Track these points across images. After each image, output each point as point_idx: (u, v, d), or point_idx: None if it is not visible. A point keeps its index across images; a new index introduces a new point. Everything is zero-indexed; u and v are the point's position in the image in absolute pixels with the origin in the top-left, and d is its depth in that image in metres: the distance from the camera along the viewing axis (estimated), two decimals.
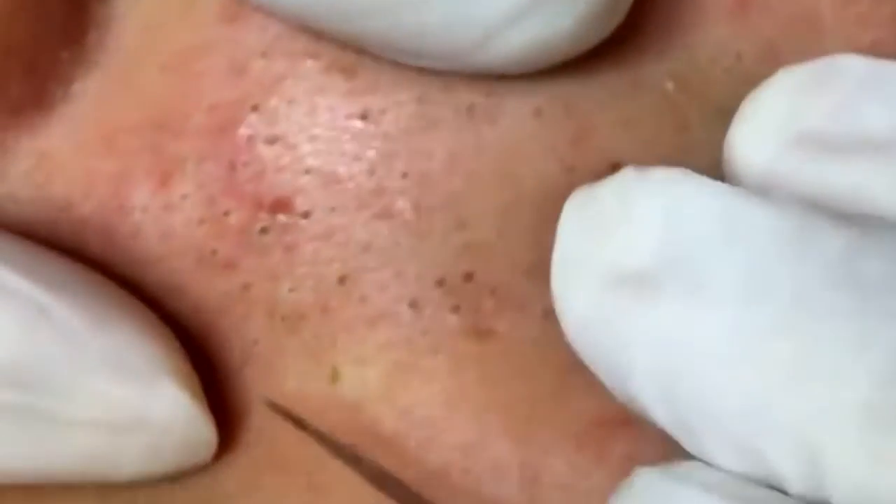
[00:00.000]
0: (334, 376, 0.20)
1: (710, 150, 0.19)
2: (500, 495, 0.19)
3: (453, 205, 0.19)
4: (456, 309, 0.19)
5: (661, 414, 0.16)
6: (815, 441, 0.15)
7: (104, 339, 0.18)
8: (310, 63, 0.19)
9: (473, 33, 0.17)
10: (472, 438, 0.19)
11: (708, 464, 0.16)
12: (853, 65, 0.18)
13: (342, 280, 0.19)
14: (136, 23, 0.20)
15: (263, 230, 0.20)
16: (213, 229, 0.20)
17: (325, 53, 0.19)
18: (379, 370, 0.19)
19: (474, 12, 0.17)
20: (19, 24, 0.19)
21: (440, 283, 0.19)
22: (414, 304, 0.19)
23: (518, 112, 0.19)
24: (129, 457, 0.19)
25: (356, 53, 0.19)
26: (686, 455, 0.16)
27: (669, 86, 0.19)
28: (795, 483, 0.15)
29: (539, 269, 0.18)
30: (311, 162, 0.19)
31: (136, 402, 0.18)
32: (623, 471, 0.17)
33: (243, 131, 0.19)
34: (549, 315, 0.18)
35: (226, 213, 0.20)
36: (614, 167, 0.19)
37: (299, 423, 0.19)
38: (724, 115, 0.19)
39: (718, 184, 0.16)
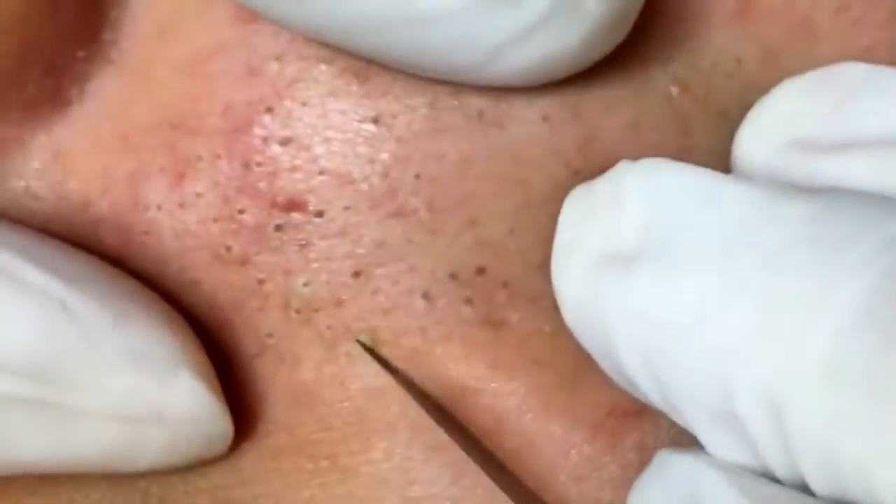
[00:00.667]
0: (349, 362, 0.20)
1: (712, 154, 0.20)
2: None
3: (465, 205, 0.20)
4: (469, 301, 0.20)
5: (648, 390, 0.17)
6: (780, 399, 0.15)
7: (123, 333, 0.19)
8: (323, 67, 0.20)
9: (478, 53, 0.18)
10: (485, 426, 0.20)
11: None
12: (852, 71, 0.19)
13: (356, 274, 0.20)
14: (152, 22, 0.20)
15: (278, 228, 0.20)
16: (227, 227, 0.20)
17: (339, 58, 0.20)
18: (393, 357, 0.20)
19: (479, 34, 0.17)
20: (35, 22, 0.19)
21: (453, 276, 0.20)
22: (427, 296, 0.20)
23: (526, 117, 0.20)
24: (146, 449, 0.19)
25: (368, 60, 0.19)
26: (697, 444, 0.17)
27: (674, 90, 0.20)
28: (766, 446, 0.16)
29: (550, 264, 0.19)
30: (324, 163, 0.20)
31: (154, 395, 0.19)
32: (636, 460, 0.18)
33: (258, 132, 0.20)
34: None
35: (240, 211, 0.20)
36: None
37: (386, 364, 0.20)
38: (726, 119, 0.20)
39: (697, 167, 0.17)
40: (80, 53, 0.20)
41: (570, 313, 0.18)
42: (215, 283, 0.20)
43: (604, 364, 0.18)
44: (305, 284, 0.20)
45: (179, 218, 0.20)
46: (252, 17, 0.20)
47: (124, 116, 0.20)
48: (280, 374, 0.20)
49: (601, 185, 0.18)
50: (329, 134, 0.20)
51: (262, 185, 0.20)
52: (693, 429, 0.17)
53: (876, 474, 0.14)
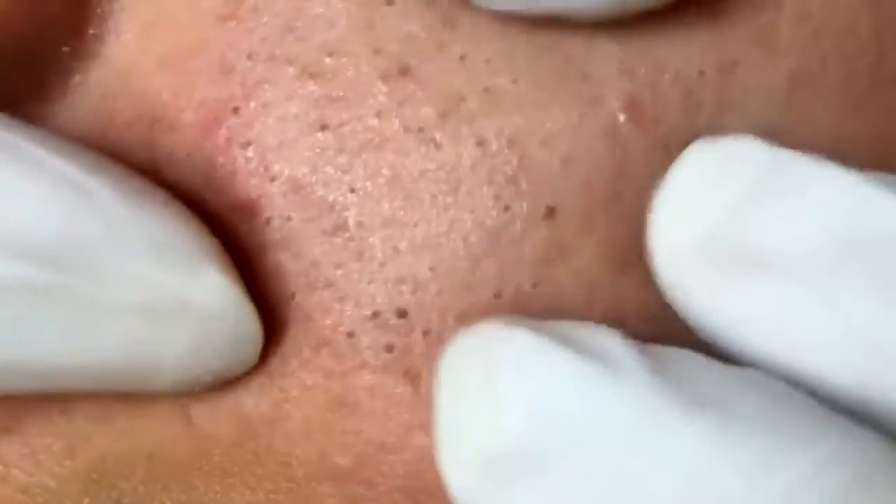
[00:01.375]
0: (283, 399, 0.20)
1: (643, 197, 0.19)
2: None
3: (392, 229, 0.19)
4: (390, 348, 0.19)
5: None
6: None
7: (146, 223, 0.18)
8: (288, 69, 0.20)
9: None
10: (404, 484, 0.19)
11: None
12: (753, 158, 0.18)
13: (293, 296, 0.20)
14: (137, 17, 0.20)
15: (233, 231, 0.20)
16: None
17: (302, 57, 0.20)
18: (319, 399, 0.20)
19: None
20: (20, 16, 0.19)
21: (375, 315, 0.19)
22: (352, 335, 0.19)
23: (463, 138, 0.19)
24: (171, 348, 0.18)
25: (330, 57, 0.20)
26: None
27: (621, 117, 0.19)
28: None
29: (468, 316, 0.19)
30: (276, 169, 0.20)
31: (178, 289, 0.18)
32: None
33: (223, 132, 0.20)
34: None
35: (202, 211, 0.20)
36: (549, 212, 0.19)
37: None
38: (669, 153, 0.19)
39: (582, 360, 0.17)
40: (65, 49, 0.20)
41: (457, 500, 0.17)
42: None
43: None
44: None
45: None
46: (233, 13, 0.20)
47: (106, 111, 0.21)
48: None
49: (474, 362, 0.18)
50: (283, 139, 0.20)
51: (222, 186, 0.20)
52: None
53: None
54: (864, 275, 0.16)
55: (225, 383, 0.19)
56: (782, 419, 0.16)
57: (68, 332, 0.17)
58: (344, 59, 0.20)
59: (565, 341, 0.17)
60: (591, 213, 0.19)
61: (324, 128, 0.20)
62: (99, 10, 0.20)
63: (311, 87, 0.20)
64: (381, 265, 0.19)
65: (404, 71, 0.19)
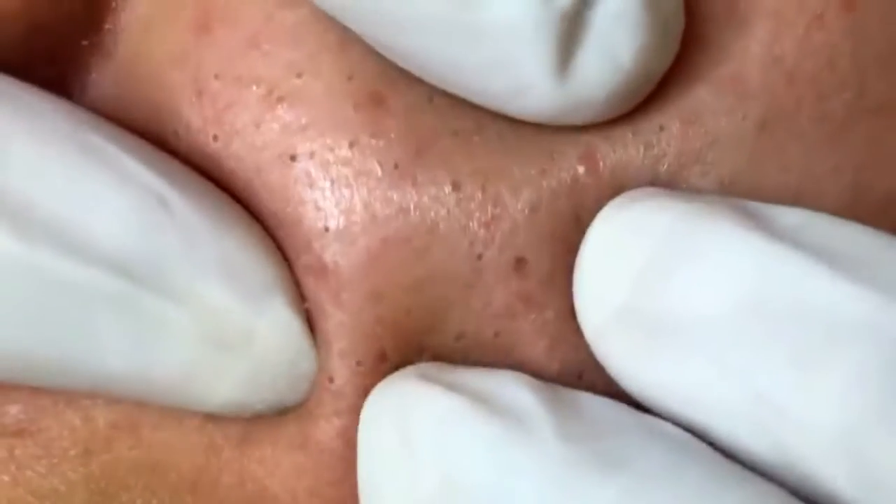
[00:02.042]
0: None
1: None
2: None
3: (370, 271, 0.19)
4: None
5: None
6: None
7: (221, 242, 0.18)
8: (253, 89, 0.19)
9: (512, 82, 0.17)
10: None
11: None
12: (657, 220, 0.18)
13: None
14: (140, 14, 0.20)
15: None
16: None
17: (266, 79, 0.19)
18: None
19: (521, 61, 0.17)
20: (42, 8, 0.19)
21: (360, 364, 0.19)
22: (332, 380, 0.19)
23: (439, 180, 0.19)
24: (228, 376, 0.18)
25: (298, 78, 0.19)
26: None
27: (580, 169, 0.19)
28: None
29: (427, 353, 0.19)
30: (256, 203, 0.19)
31: (245, 318, 0.18)
32: None
33: (207, 163, 0.19)
34: None
35: None
36: (518, 263, 0.19)
37: None
38: None
39: (495, 423, 0.17)
40: (84, 43, 0.20)
41: None
42: None
43: None
44: None
45: None
46: (207, 26, 0.19)
47: (116, 112, 0.20)
48: None
49: (392, 421, 0.18)
50: (256, 168, 0.19)
51: None
52: None
53: None
54: (769, 341, 0.16)
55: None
56: (689, 474, 0.16)
57: (131, 343, 0.18)
58: (314, 81, 0.19)
59: (479, 398, 0.17)
60: (556, 265, 0.19)
61: (293, 158, 0.19)
62: (113, 4, 0.20)
63: (280, 111, 0.19)
64: (360, 310, 0.19)
65: (378, 101, 0.19)
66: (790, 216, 0.18)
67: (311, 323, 0.19)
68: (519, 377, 0.18)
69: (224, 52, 0.19)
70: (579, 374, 0.19)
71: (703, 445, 0.17)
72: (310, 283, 0.19)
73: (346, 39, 0.19)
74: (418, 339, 0.19)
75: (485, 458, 0.17)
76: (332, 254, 0.19)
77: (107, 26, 0.20)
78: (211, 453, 0.20)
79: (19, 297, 0.17)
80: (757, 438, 0.17)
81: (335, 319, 0.19)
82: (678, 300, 0.17)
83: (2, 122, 0.18)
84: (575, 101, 0.18)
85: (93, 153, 0.18)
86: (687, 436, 0.17)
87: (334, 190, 0.19)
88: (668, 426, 0.17)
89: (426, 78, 0.18)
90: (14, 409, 0.20)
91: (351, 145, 0.19)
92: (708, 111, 0.19)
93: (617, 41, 0.18)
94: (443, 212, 0.19)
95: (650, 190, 0.19)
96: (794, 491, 0.17)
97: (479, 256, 0.19)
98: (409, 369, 0.19)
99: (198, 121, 0.19)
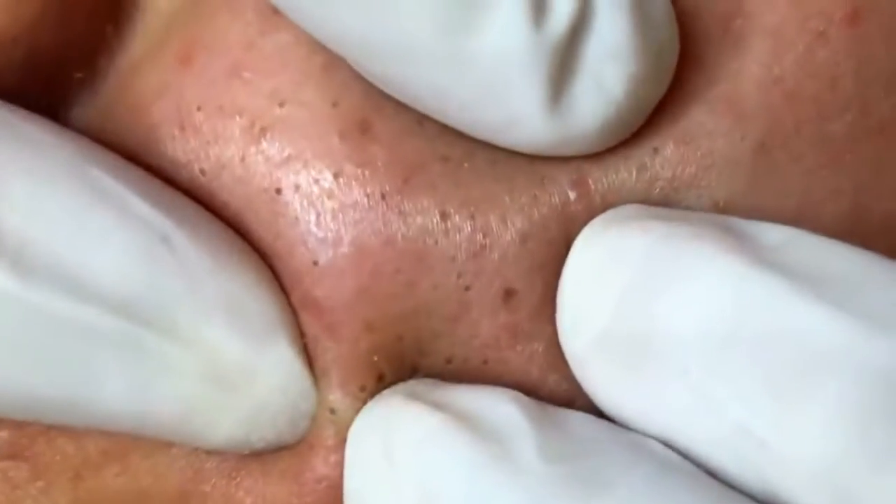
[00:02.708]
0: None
1: None
2: None
3: (360, 303, 0.18)
4: None
5: None
6: None
7: (224, 281, 0.18)
8: (237, 119, 0.19)
9: (501, 114, 0.17)
10: None
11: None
12: (635, 245, 0.17)
13: None
14: (130, 59, 0.20)
15: None
16: None
17: (248, 109, 0.19)
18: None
19: (510, 95, 0.17)
20: (44, 35, 0.19)
21: (363, 388, 0.19)
22: (334, 412, 0.19)
23: (427, 210, 0.18)
24: (230, 415, 0.18)
25: (280, 107, 0.19)
26: None
27: (572, 195, 0.19)
28: None
29: (434, 377, 0.19)
30: (247, 237, 0.19)
31: (248, 359, 0.18)
32: None
33: (195, 198, 0.19)
34: None
35: None
36: (507, 294, 0.19)
37: None
38: None
39: (477, 443, 0.17)
40: (78, 75, 0.20)
41: None
42: None
43: None
44: None
45: None
46: (189, 56, 0.19)
47: (106, 140, 0.19)
48: None
49: (377, 437, 0.18)
50: (246, 201, 0.19)
51: None
52: None
53: None
54: (748, 370, 0.16)
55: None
56: (674, 495, 0.16)
57: (132, 382, 0.17)
58: (297, 110, 0.19)
59: (464, 417, 0.17)
60: (546, 295, 0.19)
61: (278, 191, 0.19)
62: (111, 40, 0.20)
63: (263, 141, 0.19)
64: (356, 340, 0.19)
65: (364, 128, 0.19)
66: (774, 233, 0.17)
67: (308, 355, 0.19)
68: (508, 395, 0.18)
69: (206, 83, 0.19)
70: (570, 402, 0.19)
71: (689, 465, 0.17)
72: (305, 317, 0.19)
73: (331, 64, 0.19)
74: (412, 361, 0.19)
75: (464, 479, 0.16)
76: (322, 288, 0.18)
77: (101, 62, 0.20)
78: (199, 481, 0.19)
79: (20, 336, 0.17)
80: (739, 468, 0.16)
81: (333, 352, 0.19)
82: (656, 326, 0.17)
83: (2, 157, 0.17)
84: (567, 133, 0.17)
85: (94, 189, 0.18)
86: (674, 455, 0.17)
87: (320, 223, 0.18)
88: (655, 444, 0.17)
89: (414, 106, 0.18)
90: (4, 434, 0.20)
91: (336, 176, 0.18)
92: (704, 133, 0.19)
93: (609, 73, 0.17)
94: (430, 242, 0.18)
95: (630, 209, 0.19)
96: None
97: (467, 288, 0.19)
98: (399, 387, 0.19)
99: (182, 155, 0.19)
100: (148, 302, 0.17)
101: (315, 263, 0.18)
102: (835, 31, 0.19)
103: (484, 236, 0.19)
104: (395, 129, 0.19)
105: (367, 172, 0.18)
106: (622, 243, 0.18)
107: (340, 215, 0.18)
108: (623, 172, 0.19)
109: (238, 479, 0.19)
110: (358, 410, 0.19)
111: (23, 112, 0.18)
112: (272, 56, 0.19)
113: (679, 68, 0.19)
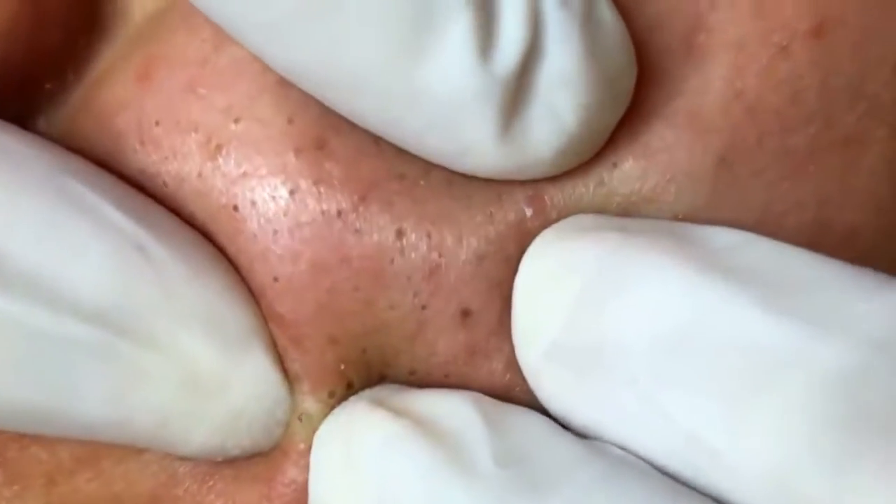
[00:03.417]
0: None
1: None
2: None
3: (322, 319, 0.18)
4: None
5: None
6: None
7: (200, 290, 0.18)
8: (193, 136, 0.19)
9: (454, 144, 0.17)
10: None
11: None
12: (590, 254, 0.17)
13: None
14: (97, 72, 0.20)
15: None
16: None
17: (203, 124, 0.19)
18: None
19: (462, 125, 0.17)
20: (18, 42, 0.19)
21: (331, 395, 0.19)
22: (301, 419, 0.19)
23: (383, 228, 0.18)
24: (205, 422, 0.18)
25: (235, 123, 0.18)
26: None
27: (528, 211, 0.19)
28: None
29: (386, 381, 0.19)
30: None
31: (223, 367, 0.18)
32: None
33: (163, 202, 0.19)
34: None
35: None
36: (464, 314, 0.19)
37: None
38: None
39: (433, 449, 0.17)
40: (48, 86, 0.20)
41: None
42: None
43: None
44: None
45: None
46: (147, 73, 0.19)
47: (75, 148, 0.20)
48: None
49: (339, 443, 0.18)
50: (208, 215, 0.19)
51: None
52: None
53: None
54: (698, 378, 0.16)
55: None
56: (627, 492, 0.16)
57: (109, 392, 0.18)
58: (252, 126, 0.18)
59: (423, 422, 0.17)
60: (504, 312, 0.19)
61: (235, 208, 0.19)
62: (83, 52, 0.20)
63: (219, 157, 0.19)
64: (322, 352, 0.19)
65: (320, 145, 0.18)
66: (725, 237, 0.17)
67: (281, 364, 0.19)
68: (468, 398, 0.18)
69: (164, 98, 0.19)
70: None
71: (643, 464, 0.17)
72: (272, 329, 0.19)
73: (286, 80, 0.18)
74: (378, 371, 0.19)
75: (420, 483, 0.17)
76: (283, 304, 0.19)
77: (70, 74, 0.20)
78: (171, 486, 0.20)
79: None
80: (691, 476, 0.16)
81: (300, 362, 0.19)
82: (607, 335, 0.17)
83: None
84: (521, 160, 0.17)
85: (69, 198, 0.18)
86: (628, 456, 0.17)
87: (277, 240, 0.18)
88: (609, 445, 0.17)
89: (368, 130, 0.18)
90: None
91: (292, 193, 0.18)
92: (664, 147, 0.19)
93: (560, 102, 0.17)
94: (386, 261, 0.18)
95: (581, 219, 0.18)
96: None
97: (424, 307, 0.19)
98: (365, 393, 0.19)
99: (145, 168, 0.19)
100: (124, 311, 0.17)
101: (275, 279, 0.19)
102: (798, 45, 0.19)
103: (439, 255, 0.18)
104: (351, 145, 0.18)
105: (322, 189, 0.18)
106: (573, 253, 0.18)
107: (297, 232, 0.18)
108: (580, 188, 0.19)
109: (210, 483, 0.19)
110: (327, 416, 0.19)
111: None
112: (226, 71, 0.19)
113: (642, 83, 0.18)
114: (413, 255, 0.18)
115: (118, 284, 0.17)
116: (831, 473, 0.15)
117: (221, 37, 0.19)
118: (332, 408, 0.19)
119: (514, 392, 0.19)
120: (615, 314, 0.17)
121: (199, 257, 0.18)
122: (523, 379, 0.19)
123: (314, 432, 0.19)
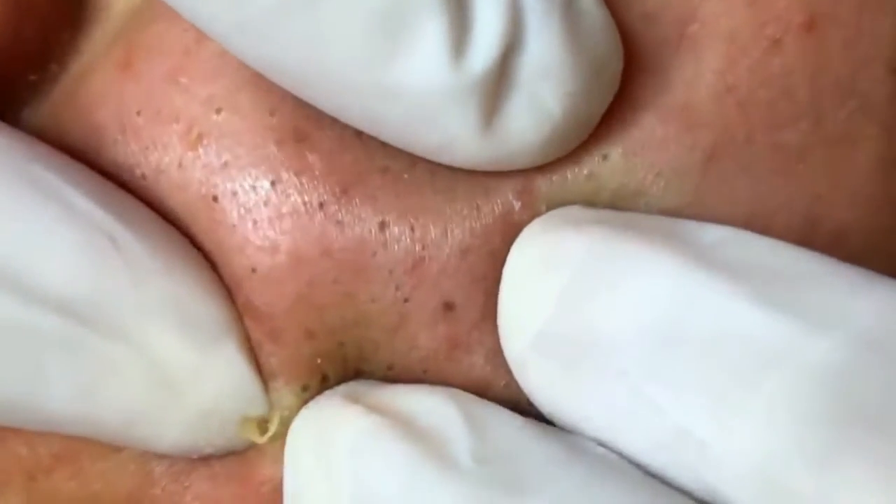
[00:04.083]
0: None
1: None
2: None
3: (299, 312, 0.18)
4: None
5: None
6: None
7: (170, 283, 0.17)
8: (174, 127, 0.18)
9: (434, 137, 0.17)
10: None
11: None
12: (577, 246, 0.17)
13: None
14: (80, 64, 0.19)
15: None
16: None
17: (184, 114, 0.18)
18: None
19: (442, 120, 0.17)
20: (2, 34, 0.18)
21: (305, 388, 0.19)
22: (283, 422, 0.19)
23: (365, 220, 0.18)
24: (177, 417, 0.18)
25: (217, 114, 0.18)
26: None
27: (516, 204, 0.18)
28: None
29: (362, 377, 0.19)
30: None
31: (195, 361, 0.17)
32: None
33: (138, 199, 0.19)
34: None
35: None
36: (447, 307, 0.18)
37: None
38: None
39: (409, 445, 0.16)
40: (32, 77, 0.19)
41: None
42: None
43: None
44: None
45: None
46: (128, 61, 0.19)
47: (56, 139, 0.19)
48: None
49: (313, 440, 0.18)
50: (185, 207, 0.19)
51: None
52: None
53: None
54: (686, 371, 0.16)
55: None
56: (607, 493, 0.16)
57: (78, 384, 0.17)
58: (234, 117, 0.18)
59: (399, 418, 0.17)
60: (488, 306, 0.18)
61: (215, 198, 0.18)
62: (66, 44, 0.19)
63: (199, 147, 0.18)
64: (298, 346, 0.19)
65: (302, 137, 0.18)
66: (714, 232, 0.17)
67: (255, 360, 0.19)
68: (446, 393, 0.18)
69: (144, 88, 0.18)
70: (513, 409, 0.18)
71: (625, 464, 0.16)
72: (248, 322, 0.18)
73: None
74: (354, 366, 0.19)
75: (396, 480, 0.16)
76: (260, 295, 0.18)
77: (54, 66, 0.19)
78: (148, 485, 0.19)
79: None
80: (678, 470, 0.16)
81: (276, 357, 0.18)
82: (595, 327, 0.17)
83: None
84: (505, 152, 0.17)
85: (40, 188, 0.17)
86: (611, 455, 0.17)
87: (257, 231, 0.18)
88: (591, 445, 0.17)
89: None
90: None
91: (273, 184, 0.18)
92: (654, 141, 0.18)
93: (544, 91, 0.17)
94: (369, 253, 0.18)
95: (569, 211, 0.18)
96: None
97: (406, 300, 0.18)
98: (340, 388, 0.19)
99: (124, 159, 0.19)
100: (93, 302, 0.17)
101: (253, 271, 0.18)
102: (791, 39, 0.18)
103: (423, 248, 0.18)
104: (334, 137, 0.18)
105: (304, 180, 0.18)
106: (561, 245, 0.17)
107: (278, 223, 0.18)
108: (570, 181, 0.18)
109: (187, 483, 0.19)
110: (300, 410, 0.19)
111: None
112: (208, 61, 0.18)
113: (633, 74, 0.18)
114: (396, 247, 0.18)
115: (87, 275, 0.17)
116: (818, 468, 0.15)
117: None
118: (306, 402, 0.19)
119: (494, 387, 0.19)
120: (604, 306, 0.17)
121: (171, 250, 0.18)
122: (504, 373, 0.18)
123: (289, 428, 0.18)
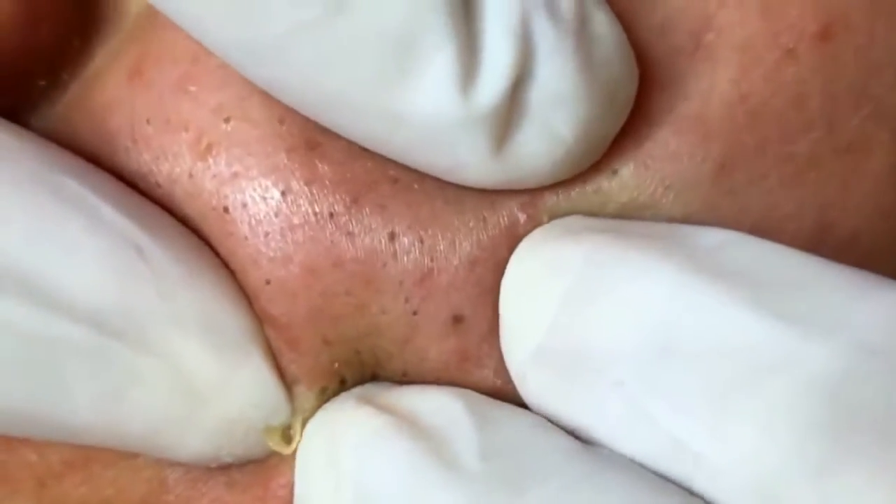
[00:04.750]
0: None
1: None
2: None
3: (315, 322, 0.18)
4: None
5: None
6: None
7: (195, 293, 0.17)
8: (183, 135, 0.18)
9: (444, 160, 0.17)
10: None
11: None
12: (575, 256, 0.17)
13: None
14: (90, 71, 0.19)
15: None
16: None
17: (193, 123, 0.18)
18: None
19: (451, 146, 0.17)
20: (14, 37, 0.18)
21: (324, 391, 0.19)
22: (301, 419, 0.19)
23: (375, 231, 0.18)
24: (200, 427, 0.18)
25: (226, 123, 0.18)
26: None
27: (521, 217, 0.18)
28: None
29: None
30: None
31: (220, 372, 0.17)
32: None
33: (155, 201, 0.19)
34: None
35: None
36: (455, 320, 0.18)
37: None
38: None
39: (416, 445, 0.16)
40: (42, 83, 0.19)
41: None
42: None
43: None
44: None
45: None
46: (139, 69, 0.19)
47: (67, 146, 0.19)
48: None
49: (324, 439, 0.18)
50: (201, 216, 0.18)
51: None
52: None
53: None
54: (682, 381, 0.16)
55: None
56: (610, 488, 0.16)
57: (102, 395, 0.17)
58: (243, 126, 0.18)
59: (408, 418, 0.17)
60: (494, 321, 0.18)
61: (225, 209, 0.18)
62: (77, 51, 0.19)
63: (209, 157, 0.18)
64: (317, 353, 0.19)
65: (312, 146, 0.18)
66: (712, 236, 0.17)
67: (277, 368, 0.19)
68: (456, 393, 0.18)
69: (154, 96, 0.18)
70: None
71: (627, 460, 0.16)
72: (267, 331, 0.18)
73: None
74: (372, 370, 0.19)
75: (400, 479, 0.16)
76: (276, 306, 0.18)
77: (64, 74, 0.19)
78: (162, 491, 0.19)
79: None
80: (675, 481, 0.16)
81: (296, 363, 0.18)
82: (592, 337, 0.17)
83: None
84: (516, 174, 0.17)
85: (65, 198, 0.17)
86: (614, 452, 0.17)
87: (269, 243, 0.18)
88: (599, 445, 0.17)
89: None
90: None
91: (284, 194, 0.18)
92: (666, 154, 0.18)
93: (556, 119, 0.17)
94: (379, 265, 0.18)
95: (569, 221, 0.18)
96: None
97: (415, 313, 0.18)
98: (354, 390, 0.19)
99: (138, 167, 0.19)
100: (119, 313, 0.17)
101: (267, 282, 0.18)
102: (805, 48, 0.18)
103: (431, 260, 0.18)
104: (343, 147, 0.18)
105: (315, 190, 0.18)
106: (559, 255, 0.17)
107: (289, 234, 0.18)
108: (577, 195, 0.18)
109: (203, 489, 0.19)
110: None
111: None
112: (217, 70, 0.18)
113: (647, 86, 0.18)
114: (405, 259, 0.18)
115: (113, 285, 0.17)
116: (818, 477, 0.15)
117: None
118: (324, 403, 0.19)
119: (504, 399, 0.18)
120: (601, 316, 0.17)
121: (195, 259, 0.18)
122: (514, 385, 0.18)
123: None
